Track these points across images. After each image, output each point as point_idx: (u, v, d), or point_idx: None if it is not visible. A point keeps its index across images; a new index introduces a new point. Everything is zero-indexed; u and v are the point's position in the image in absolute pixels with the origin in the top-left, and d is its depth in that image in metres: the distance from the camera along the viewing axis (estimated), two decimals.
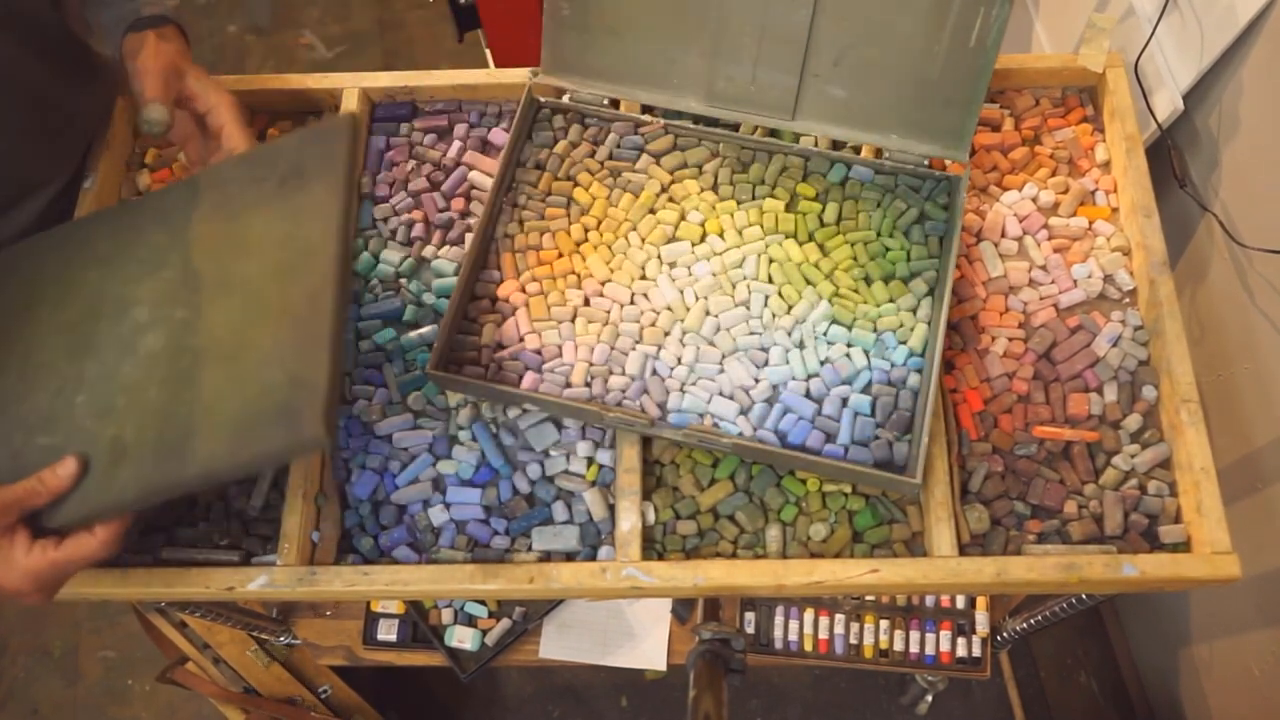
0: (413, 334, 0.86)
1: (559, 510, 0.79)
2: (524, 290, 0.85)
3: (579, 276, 0.85)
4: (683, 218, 0.87)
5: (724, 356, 0.81)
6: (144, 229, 0.78)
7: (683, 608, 1.31)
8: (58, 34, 0.87)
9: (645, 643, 1.32)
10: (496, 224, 0.88)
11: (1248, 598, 1.13)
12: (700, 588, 0.74)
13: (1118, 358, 0.81)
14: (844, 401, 0.79)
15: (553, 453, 0.82)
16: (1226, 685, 1.24)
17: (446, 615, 1.29)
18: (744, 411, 0.79)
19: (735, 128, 0.91)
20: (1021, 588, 0.76)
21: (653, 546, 0.78)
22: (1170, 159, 0.98)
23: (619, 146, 0.91)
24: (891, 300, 0.82)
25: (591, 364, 0.81)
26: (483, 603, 1.29)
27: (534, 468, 0.81)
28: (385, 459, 0.82)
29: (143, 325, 0.73)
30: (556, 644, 1.31)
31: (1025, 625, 1.18)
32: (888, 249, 0.84)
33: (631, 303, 0.84)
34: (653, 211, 0.88)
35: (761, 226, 0.86)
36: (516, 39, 1.65)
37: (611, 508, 0.79)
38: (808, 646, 1.27)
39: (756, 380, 0.80)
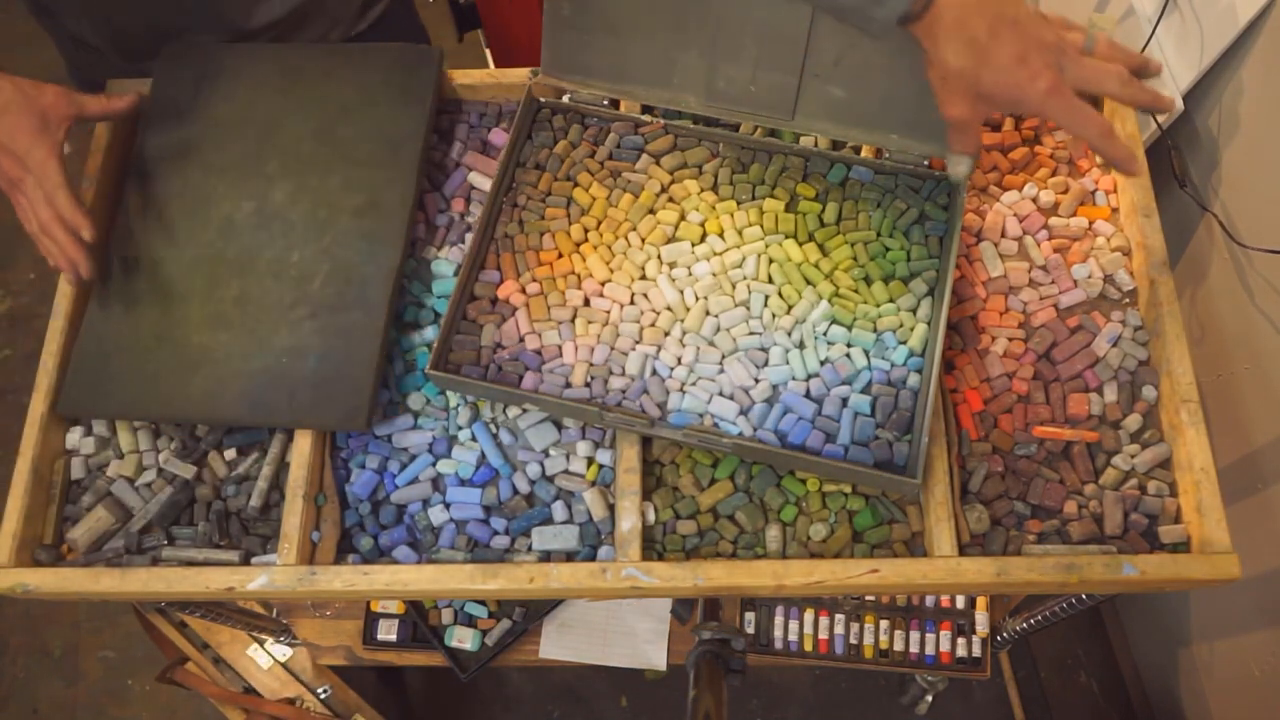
0: (413, 334, 0.86)
1: (559, 510, 0.79)
2: (524, 291, 0.85)
3: (579, 277, 0.85)
4: (683, 218, 0.87)
5: (724, 357, 0.81)
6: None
7: (683, 608, 1.31)
8: None
9: (645, 643, 1.31)
10: (496, 224, 0.88)
11: (1248, 598, 1.13)
12: (700, 588, 0.74)
13: (1118, 358, 0.81)
14: (844, 401, 0.79)
15: (553, 452, 0.82)
16: (1226, 685, 1.24)
17: (446, 615, 1.29)
18: (744, 411, 0.79)
19: (735, 128, 0.91)
20: (1021, 588, 0.76)
21: (653, 546, 0.78)
22: (1170, 159, 0.98)
23: (619, 146, 0.91)
24: (891, 300, 0.82)
25: (591, 364, 0.81)
26: (483, 603, 1.29)
27: (534, 467, 0.81)
28: (385, 459, 0.82)
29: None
30: (556, 644, 1.31)
31: (1025, 625, 1.18)
32: (888, 249, 0.84)
33: (631, 303, 0.84)
34: (652, 212, 0.88)
35: (761, 226, 0.86)
36: (516, 39, 1.65)
37: (611, 508, 0.79)
38: (808, 646, 1.27)
39: (756, 380, 0.80)
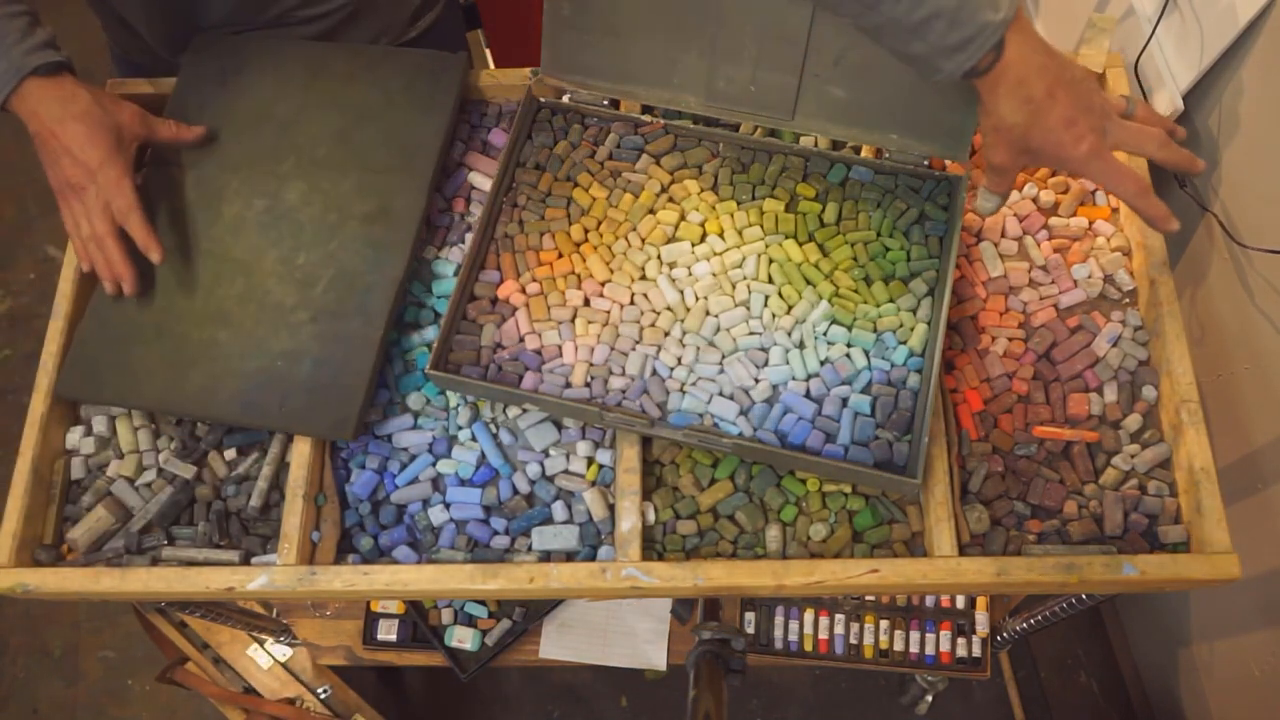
0: (413, 334, 0.86)
1: (559, 510, 0.79)
2: (524, 291, 0.85)
3: (579, 277, 0.85)
4: (683, 218, 0.87)
5: (724, 357, 0.81)
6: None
7: (683, 608, 1.31)
8: None
9: (645, 643, 1.31)
10: (496, 224, 0.88)
11: (1248, 598, 1.13)
12: (700, 588, 0.74)
13: (1118, 358, 0.81)
14: (844, 401, 0.79)
15: (552, 452, 0.81)
16: (1226, 685, 1.24)
17: (446, 615, 1.29)
18: (744, 412, 0.79)
19: (735, 128, 0.91)
20: (1021, 588, 0.76)
21: (653, 546, 0.78)
22: None
23: (619, 147, 0.91)
24: (891, 300, 0.82)
25: (591, 364, 0.81)
26: (483, 603, 1.29)
27: (534, 467, 0.81)
28: (385, 459, 0.82)
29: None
30: (556, 644, 1.31)
31: (1025, 625, 1.18)
32: (888, 249, 0.84)
33: (631, 303, 0.84)
34: (652, 212, 0.88)
35: (761, 227, 0.86)
36: (516, 39, 1.65)
37: (611, 508, 0.79)
38: (808, 646, 1.27)
39: (756, 380, 0.80)
